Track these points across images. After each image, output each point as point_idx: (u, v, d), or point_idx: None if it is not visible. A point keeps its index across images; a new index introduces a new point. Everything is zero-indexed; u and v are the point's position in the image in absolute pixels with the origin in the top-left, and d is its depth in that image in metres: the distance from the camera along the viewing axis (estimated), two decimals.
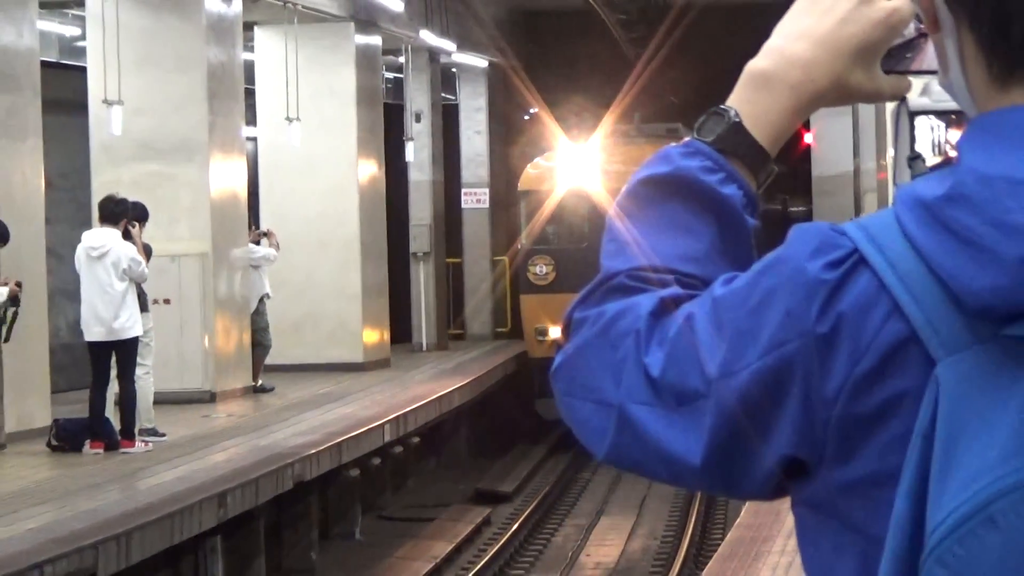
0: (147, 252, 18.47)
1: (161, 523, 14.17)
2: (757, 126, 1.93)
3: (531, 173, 30.49)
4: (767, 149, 1.94)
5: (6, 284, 16.88)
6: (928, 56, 1.89)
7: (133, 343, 17.74)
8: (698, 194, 1.89)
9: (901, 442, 1.62)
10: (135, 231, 18.10)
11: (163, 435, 18.56)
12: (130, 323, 17.64)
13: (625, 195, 1.94)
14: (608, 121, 30.13)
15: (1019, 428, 1.55)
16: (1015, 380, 1.57)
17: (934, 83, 1.68)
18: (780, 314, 1.69)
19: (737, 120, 1.93)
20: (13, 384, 17.92)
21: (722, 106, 1.95)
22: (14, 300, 17.05)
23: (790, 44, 1.93)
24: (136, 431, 17.96)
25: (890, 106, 21.62)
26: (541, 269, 28.79)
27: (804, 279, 1.68)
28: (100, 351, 17.76)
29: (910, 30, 1.91)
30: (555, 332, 25.79)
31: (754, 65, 1.96)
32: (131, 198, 18.67)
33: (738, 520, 14.33)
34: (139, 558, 13.74)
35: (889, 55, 1.92)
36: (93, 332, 17.71)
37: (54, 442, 17.84)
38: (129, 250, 17.71)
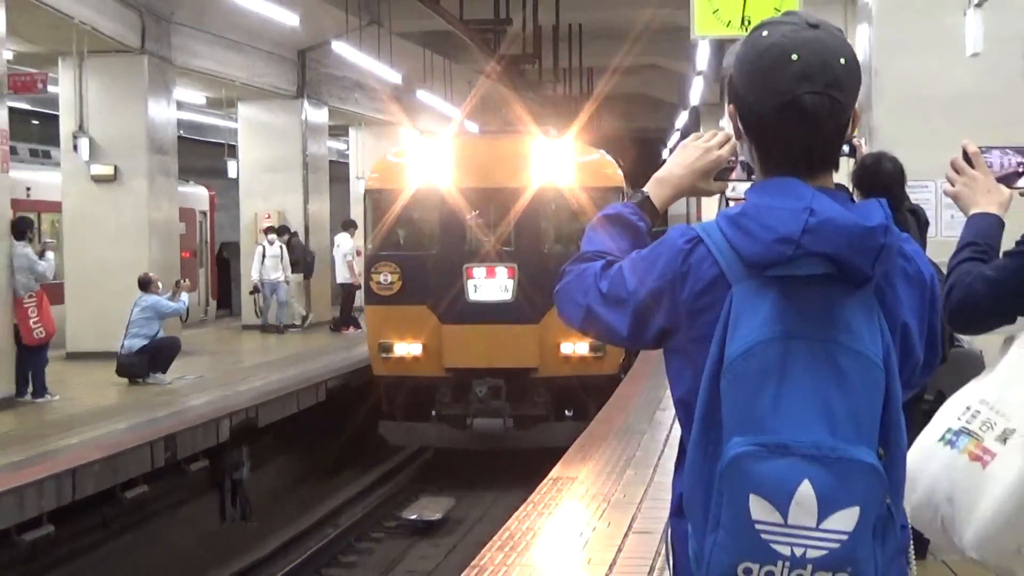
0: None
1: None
2: (656, 199, 2.20)
3: (377, 173, 15.83)
4: (659, 209, 2.20)
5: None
6: (735, 174, 2.17)
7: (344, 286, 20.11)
8: (627, 224, 2.15)
9: (715, 322, 1.86)
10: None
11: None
12: (350, 278, 19.86)
13: (595, 221, 2.16)
14: (462, 116, 19.09)
15: (766, 316, 1.82)
16: (767, 293, 1.83)
17: (739, 184, 2.20)
18: (663, 263, 1.94)
19: (647, 195, 2.20)
20: (315, 300, 21.70)
21: (642, 190, 2.21)
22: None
23: (672, 168, 2.21)
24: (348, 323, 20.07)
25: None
26: (386, 278, 14.77)
27: (676, 247, 1.93)
28: (341, 288, 20.48)
29: (729, 162, 2.18)
30: (401, 348, 14.66)
31: (657, 175, 2.22)
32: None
33: (639, 355, 15.75)
34: (357, 384, 15.30)
35: (718, 173, 2.19)
36: (339, 278, 20.36)
37: (331, 327, 20.63)
38: (347, 245, 19.92)
